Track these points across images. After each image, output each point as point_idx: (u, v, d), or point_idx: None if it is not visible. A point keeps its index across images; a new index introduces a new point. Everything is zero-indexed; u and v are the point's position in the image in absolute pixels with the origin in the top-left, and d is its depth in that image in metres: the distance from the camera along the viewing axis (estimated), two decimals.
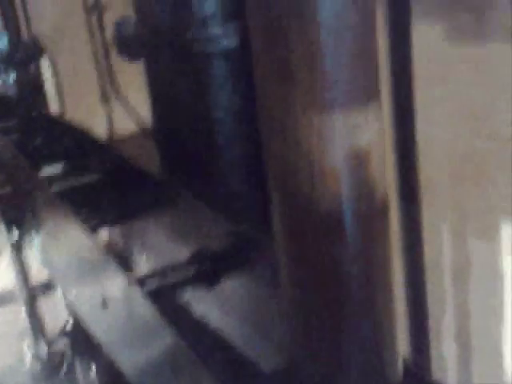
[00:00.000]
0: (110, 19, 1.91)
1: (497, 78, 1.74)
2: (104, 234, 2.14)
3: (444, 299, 2.23)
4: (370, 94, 1.17)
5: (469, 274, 2.16)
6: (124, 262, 2.04)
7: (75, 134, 2.75)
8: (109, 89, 4.65)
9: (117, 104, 4.68)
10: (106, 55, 1.95)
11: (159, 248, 1.88)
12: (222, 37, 1.75)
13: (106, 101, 4.68)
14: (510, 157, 1.83)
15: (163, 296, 1.43)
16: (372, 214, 1.20)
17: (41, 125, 3.04)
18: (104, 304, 1.58)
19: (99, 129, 4.71)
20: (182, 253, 1.63)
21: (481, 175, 1.98)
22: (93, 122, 4.74)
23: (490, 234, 1.99)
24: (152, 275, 1.63)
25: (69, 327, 3.01)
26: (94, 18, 2.16)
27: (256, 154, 1.93)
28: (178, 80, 1.87)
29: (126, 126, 4.73)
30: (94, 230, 2.01)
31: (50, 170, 2.54)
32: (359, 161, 1.16)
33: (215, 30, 1.74)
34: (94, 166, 2.37)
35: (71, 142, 2.73)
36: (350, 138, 1.13)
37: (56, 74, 3.36)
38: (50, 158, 2.61)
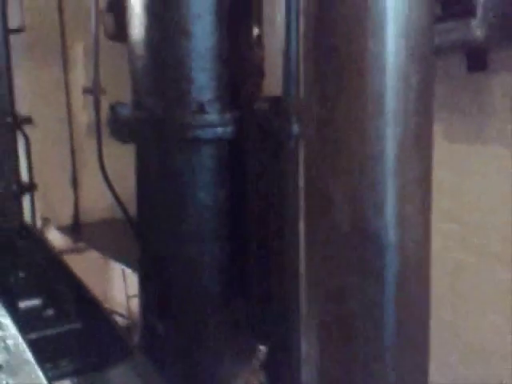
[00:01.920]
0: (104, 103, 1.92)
1: (488, 186, 1.78)
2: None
3: None
4: None
5: None
6: None
7: (57, 270, 2.78)
8: (80, 173, 4.63)
9: (86, 189, 4.65)
10: (98, 138, 1.94)
11: None
12: (218, 125, 1.76)
13: (76, 185, 4.65)
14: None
15: None
16: None
17: (22, 252, 3.01)
18: None
19: (66, 212, 4.64)
20: None
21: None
22: (60, 204, 4.67)
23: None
24: None
25: None
26: (87, 101, 2.16)
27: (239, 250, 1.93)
28: (166, 165, 1.86)
29: (93, 211, 4.68)
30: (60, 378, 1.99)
31: (27, 304, 2.56)
32: None
33: (212, 117, 1.75)
34: (70, 310, 2.39)
35: (51, 279, 2.74)
36: None
37: (29, 151, 3.35)
38: (28, 293, 2.62)
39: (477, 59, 2.15)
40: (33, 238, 3.32)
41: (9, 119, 3.18)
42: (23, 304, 2.50)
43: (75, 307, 2.43)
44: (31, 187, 3.44)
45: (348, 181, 1.22)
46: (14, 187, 3.23)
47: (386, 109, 1.17)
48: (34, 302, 2.54)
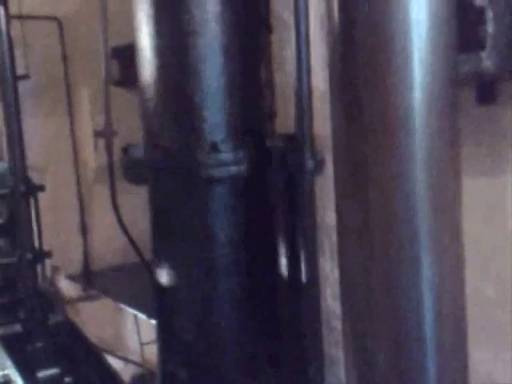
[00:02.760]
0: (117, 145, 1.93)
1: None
2: None
3: None
4: None
5: None
6: None
7: (73, 336, 2.80)
8: (88, 220, 4.62)
9: (95, 236, 4.64)
10: (111, 180, 1.94)
11: None
12: (232, 163, 1.75)
13: (85, 232, 4.64)
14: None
15: None
16: None
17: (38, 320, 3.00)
18: None
19: (74, 261, 4.61)
20: None
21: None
22: (69, 253, 4.64)
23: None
24: None
25: None
26: (97, 145, 2.16)
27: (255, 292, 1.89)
28: (181, 205, 1.85)
29: (103, 258, 4.65)
30: None
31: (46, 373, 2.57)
32: None
33: (225, 155, 1.75)
34: (89, 377, 2.41)
35: (68, 346, 2.76)
36: None
37: (39, 216, 3.33)
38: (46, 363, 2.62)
39: (486, 91, 2.15)
40: (48, 303, 3.29)
41: (22, 187, 3.13)
42: (42, 373, 2.49)
43: (94, 375, 2.42)
44: (45, 255, 3.37)
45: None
46: (29, 256, 3.17)
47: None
48: (53, 371, 2.53)
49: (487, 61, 1.87)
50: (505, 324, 1.92)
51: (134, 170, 1.85)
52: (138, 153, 1.84)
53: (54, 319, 3.06)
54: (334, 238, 1.68)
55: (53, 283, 4.48)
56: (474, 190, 1.93)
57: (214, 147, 1.75)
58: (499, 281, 2.03)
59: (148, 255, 2.09)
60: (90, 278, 4.51)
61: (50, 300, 3.44)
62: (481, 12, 1.77)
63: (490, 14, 1.80)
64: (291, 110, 1.77)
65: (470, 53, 1.91)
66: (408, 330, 1.17)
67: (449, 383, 1.17)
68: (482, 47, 1.87)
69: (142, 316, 3.84)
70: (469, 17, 1.76)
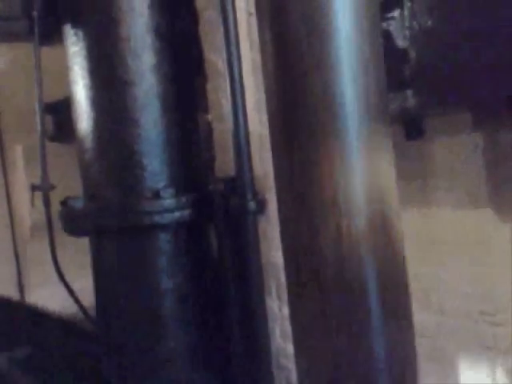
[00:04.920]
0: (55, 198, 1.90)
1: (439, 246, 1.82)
2: None
3: None
4: None
5: None
6: None
7: None
8: (25, 279, 4.47)
9: (32, 294, 4.48)
10: (50, 233, 1.91)
11: None
12: (174, 209, 1.76)
13: (21, 291, 4.47)
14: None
15: None
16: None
17: None
18: None
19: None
20: None
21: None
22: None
23: None
24: None
25: None
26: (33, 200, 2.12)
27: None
28: (125, 252, 1.83)
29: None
30: None
31: None
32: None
33: (168, 202, 1.75)
34: None
35: None
36: None
37: None
38: None
39: (413, 128, 2.25)
40: None
41: None
42: None
43: None
44: None
45: None
46: None
47: None
48: None
49: (412, 99, 1.97)
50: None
51: (74, 221, 1.82)
52: (78, 204, 1.82)
53: None
54: (281, 277, 1.70)
55: None
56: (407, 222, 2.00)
57: (156, 194, 1.75)
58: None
59: (91, 309, 2.05)
60: None
61: None
62: (404, 53, 1.88)
63: (412, 55, 1.91)
64: (229, 154, 1.80)
65: (396, 92, 2.00)
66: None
67: None
68: (407, 86, 1.97)
69: None
70: (393, 58, 1.86)
